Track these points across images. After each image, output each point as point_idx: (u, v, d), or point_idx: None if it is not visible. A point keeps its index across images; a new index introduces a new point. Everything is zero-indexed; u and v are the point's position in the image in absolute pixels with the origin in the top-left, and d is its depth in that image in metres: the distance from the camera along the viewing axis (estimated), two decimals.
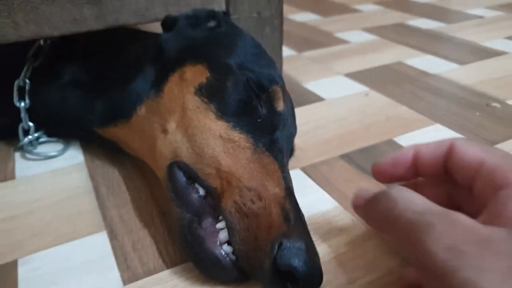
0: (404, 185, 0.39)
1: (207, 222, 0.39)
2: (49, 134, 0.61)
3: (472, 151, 0.33)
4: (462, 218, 0.28)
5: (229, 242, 0.37)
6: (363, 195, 0.36)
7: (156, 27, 0.56)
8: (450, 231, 0.27)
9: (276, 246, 0.34)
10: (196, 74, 0.46)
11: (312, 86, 0.81)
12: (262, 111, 0.45)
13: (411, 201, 0.31)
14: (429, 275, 0.27)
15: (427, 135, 0.63)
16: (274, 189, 0.39)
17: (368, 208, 0.36)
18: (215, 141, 0.41)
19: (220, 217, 0.38)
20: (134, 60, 0.53)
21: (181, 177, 0.41)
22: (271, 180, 0.39)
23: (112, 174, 0.55)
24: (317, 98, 0.76)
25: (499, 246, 0.26)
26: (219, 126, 0.42)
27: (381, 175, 0.40)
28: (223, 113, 0.43)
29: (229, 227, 0.37)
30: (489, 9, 1.36)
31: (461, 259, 0.25)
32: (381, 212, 0.33)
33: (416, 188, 0.36)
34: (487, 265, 0.25)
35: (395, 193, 0.32)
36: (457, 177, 0.35)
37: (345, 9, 1.42)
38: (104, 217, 0.47)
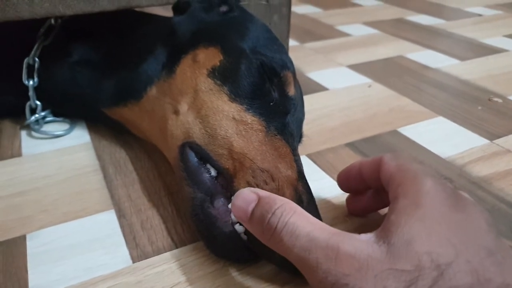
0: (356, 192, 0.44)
1: (219, 201, 0.39)
2: (55, 114, 0.61)
3: (387, 166, 0.36)
4: (345, 247, 0.29)
5: (240, 223, 0.37)
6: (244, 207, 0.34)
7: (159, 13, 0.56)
8: (334, 267, 0.28)
9: None
10: (209, 56, 0.46)
11: (316, 76, 0.81)
12: (274, 95, 0.45)
13: (296, 235, 0.30)
14: None
15: (430, 127, 0.64)
16: (287, 171, 0.39)
17: (254, 232, 0.34)
18: (228, 122, 0.41)
19: (233, 197, 0.38)
20: (145, 41, 0.53)
21: (193, 157, 0.41)
22: (284, 163, 0.40)
23: (119, 154, 0.55)
24: (320, 88, 0.76)
25: (375, 269, 0.27)
26: (232, 108, 0.42)
27: (342, 187, 0.44)
28: (236, 96, 0.43)
29: None
30: (488, 7, 1.38)
31: None
32: (268, 242, 0.32)
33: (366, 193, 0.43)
34: None
35: (280, 225, 0.31)
36: (385, 187, 0.37)
37: (345, 3, 1.43)
38: (112, 196, 0.48)
